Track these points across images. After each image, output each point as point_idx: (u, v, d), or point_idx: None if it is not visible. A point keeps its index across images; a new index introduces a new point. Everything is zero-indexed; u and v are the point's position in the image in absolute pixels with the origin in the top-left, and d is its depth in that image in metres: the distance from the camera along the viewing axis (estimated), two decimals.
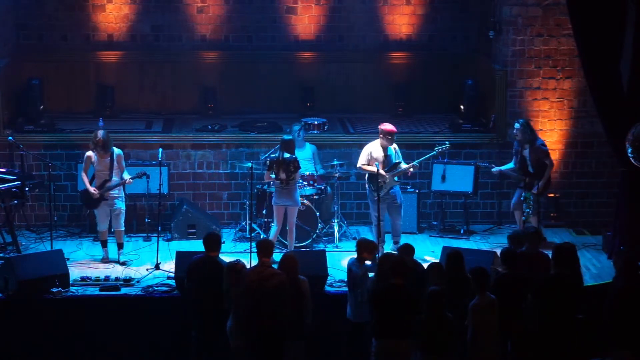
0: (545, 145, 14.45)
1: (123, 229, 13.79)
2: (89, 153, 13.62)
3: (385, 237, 14.48)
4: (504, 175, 14.85)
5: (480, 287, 10.44)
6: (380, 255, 11.77)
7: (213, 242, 11.17)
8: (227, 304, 10.79)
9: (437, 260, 12.24)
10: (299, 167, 13.55)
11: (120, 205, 13.71)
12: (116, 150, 13.69)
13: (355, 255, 11.27)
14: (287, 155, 13.57)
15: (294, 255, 10.99)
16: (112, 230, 13.86)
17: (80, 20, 16.77)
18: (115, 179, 13.60)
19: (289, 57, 17.01)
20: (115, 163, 13.61)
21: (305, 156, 14.78)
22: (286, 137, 13.88)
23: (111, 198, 13.63)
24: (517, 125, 14.36)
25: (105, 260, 13.75)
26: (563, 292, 10.80)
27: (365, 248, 11.20)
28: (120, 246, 13.82)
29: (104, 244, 13.87)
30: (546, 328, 10.77)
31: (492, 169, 14.69)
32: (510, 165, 14.55)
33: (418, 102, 16.92)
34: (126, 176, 13.67)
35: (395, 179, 14.01)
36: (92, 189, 13.56)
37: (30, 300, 12.23)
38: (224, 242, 14.44)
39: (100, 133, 13.57)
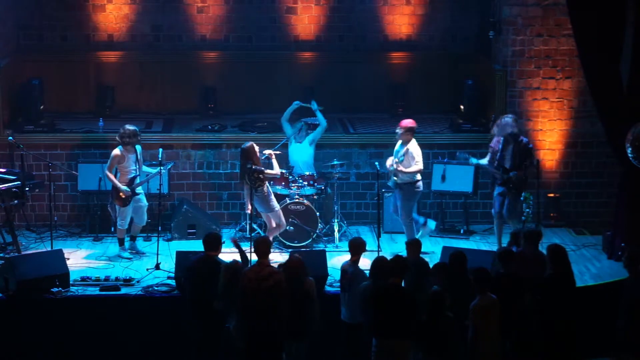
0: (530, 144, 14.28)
1: (144, 224, 14.07)
2: (117, 152, 13.70)
3: (386, 237, 14.53)
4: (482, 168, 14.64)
5: (481, 287, 10.45)
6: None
7: (212, 242, 11.17)
8: (224, 305, 10.79)
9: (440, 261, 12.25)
10: (258, 174, 13.48)
11: (145, 201, 13.93)
12: (138, 147, 13.89)
13: (349, 258, 11.30)
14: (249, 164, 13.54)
15: (300, 257, 10.96)
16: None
17: (80, 20, 16.78)
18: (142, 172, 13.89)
19: (289, 57, 17.03)
20: (139, 158, 13.81)
21: (305, 157, 14.78)
22: (244, 145, 13.81)
23: (137, 194, 13.86)
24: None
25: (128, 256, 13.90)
26: (562, 291, 10.81)
27: (357, 249, 11.25)
28: (133, 239, 14.02)
29: (122, 242, 13.96)
30: (545, 328, 10.78)
31: (470, 160, 14.29)
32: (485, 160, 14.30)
33: (418, 102, 16.93)
34: (146, 169, 13.90)
35: (393, 178, 13.96)
36: (122, 188, 13.65)
37: (30, 300, 12.23)
38: (224, 242, 14.45)
39: (128, 127, 13.73)
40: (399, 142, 13.94)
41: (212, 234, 11.53)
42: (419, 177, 13.90)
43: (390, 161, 13.91)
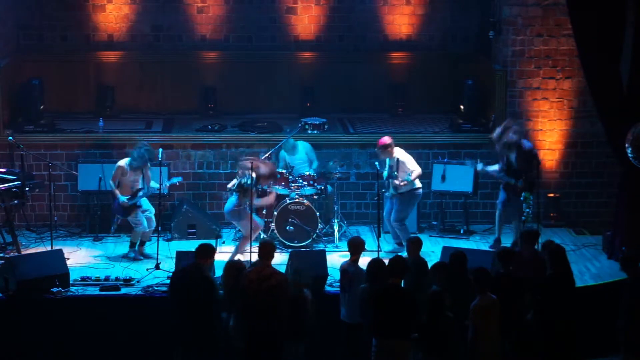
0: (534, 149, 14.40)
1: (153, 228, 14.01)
2: (122, 164, 13.71)
3: (386, 237, 14.52)
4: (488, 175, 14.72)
5: (481, 287, 10.45)
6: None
7: (206, 251, 11.09)
8: (227, 305, 10.79)
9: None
10: (245, 190, 13.46)
11: (150, 206, 13.92)
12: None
13: (348, 258, 11.33)
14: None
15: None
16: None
17: (80, 20, 16.77)
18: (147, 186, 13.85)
19: (289, 57, 17.02)
20: (147, 173, 13.81)
21: (300, 158, 14.79)
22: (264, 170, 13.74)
23: (139, 206, 13.84)
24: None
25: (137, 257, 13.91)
26: (562, 291, 10.81)
27: (357, 248, 11.27)
28: (143, 244, 14.01)
29: (134, 245, 13.96)
30: (545, 328, 10.78)
31: (477, 167, 14.49)
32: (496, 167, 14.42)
33: (418, 102, 16.94)
34: (154, 184, 13.79)
35: (392, 190, 13.99)
36: (121, 199, 13.67)
37: (30, 300, 12.23)
38: (224, 242, 14.49)
39: (142, 150, 13.67)
40: (386, 158, 14.00)
41: (206, 244, 11.47)
42: (418, 183, 13.96)
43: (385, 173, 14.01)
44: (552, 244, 11.45)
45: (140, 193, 13.76)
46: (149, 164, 13.82)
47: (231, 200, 13.63)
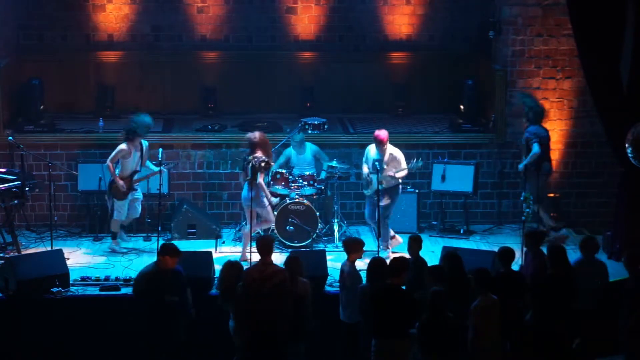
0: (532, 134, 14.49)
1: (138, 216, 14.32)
2: (123, 146, 13.90)
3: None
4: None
5: (481, 287, 10.44)
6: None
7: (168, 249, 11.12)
8: (226, 305, 10.80)
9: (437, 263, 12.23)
10: (261, 165, 13.53)
11: (141, 194, 14.17)
12: (144, 142, 14.10)
13: (346, 257, 11.35)
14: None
15: (298, 257, 10.99)
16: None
17: (80, 20, 16.77)
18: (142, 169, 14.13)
19: (289, 57, 17.02)
20: (144, 154, 14.07)
21: (306, 159, 14.79)
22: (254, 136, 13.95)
23: (135, 189, 14.15)
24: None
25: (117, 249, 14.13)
26: (561, 291, 10.81)
27: (353, 248, 11.26)
28: (123, 227, 14.23)
29: (115, 236, 14.12)
30: (545, 328, 10.78)
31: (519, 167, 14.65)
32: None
33: (418, 102, 16.94)
34: (152, 167, 14.10)
35: (374, 186, 13.94)
36: (121, 182, 13.89)
37: (30, 300, 12.24)
38: (224, 242, 14.50)
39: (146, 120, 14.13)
40: (375, 150, 13.95)
41: (167, 242, 11.54)
42: (400, 180, 14.00)
43: (367, 169, 13.95)
44: (555, 242, 11.47)
45: (136, 176, 13.95)
46: (145, 144, 14.09)
47: (245, 189, 13.72)
